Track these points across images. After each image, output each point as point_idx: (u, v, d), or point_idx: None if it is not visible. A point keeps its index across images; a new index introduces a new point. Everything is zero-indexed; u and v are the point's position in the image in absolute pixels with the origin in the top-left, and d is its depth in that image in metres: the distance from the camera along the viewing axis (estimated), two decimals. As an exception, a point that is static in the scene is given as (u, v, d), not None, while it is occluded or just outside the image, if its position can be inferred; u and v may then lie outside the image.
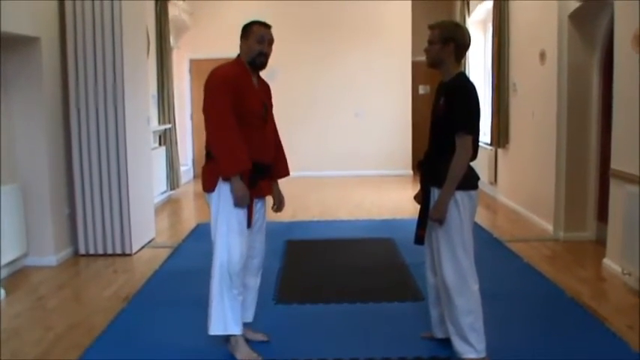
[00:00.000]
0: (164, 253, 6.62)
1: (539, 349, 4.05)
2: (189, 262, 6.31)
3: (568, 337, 4.25)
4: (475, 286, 3.75)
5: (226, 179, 3.77)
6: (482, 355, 3.74)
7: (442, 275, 3.76)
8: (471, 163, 3.74)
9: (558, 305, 4.90)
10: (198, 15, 12.29)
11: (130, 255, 6.58)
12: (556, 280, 5.47)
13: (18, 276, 5.88)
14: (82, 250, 6.57)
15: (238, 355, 3.89)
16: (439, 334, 4.06)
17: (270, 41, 3.97)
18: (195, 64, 12.67)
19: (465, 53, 3.87)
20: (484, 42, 11.28)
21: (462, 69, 3.89)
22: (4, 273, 5.68)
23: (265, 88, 4.17)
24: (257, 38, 3.90)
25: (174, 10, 10.68)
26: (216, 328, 3.88)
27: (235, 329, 3.88)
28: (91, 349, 4.15)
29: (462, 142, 3.64)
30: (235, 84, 3.82)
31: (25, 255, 6.09)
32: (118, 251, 6.58)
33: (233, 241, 3.82)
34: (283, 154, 4.29)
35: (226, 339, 3.97)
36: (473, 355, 3.73)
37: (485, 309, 3.78)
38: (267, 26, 3.98)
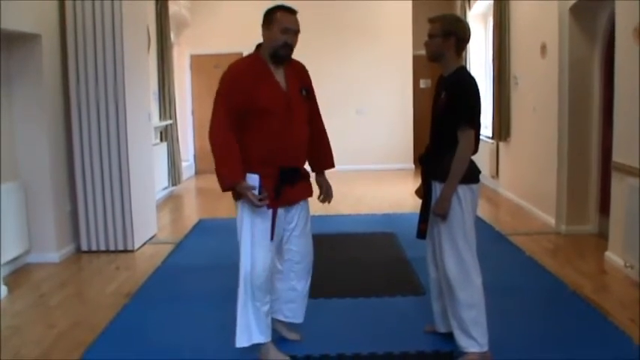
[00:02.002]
0: (166, 249, 6.62)
1: (541, 343, 4.06)
2: (191, 258, 6.32)
3: (570, 331, 4.25)
4: (478, 280, 3.74)
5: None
6: (485, 348, 3.74)
7: (445, 269, 3.76)
8: (472, 157, 3.74)
9: (560, 298, 4.90)
10: (199, 11, 12.27)
11: (132, 251, 6.59)
12: (558, 274, 5.47)
13: (20, 273, 5.88)
14: (84, 247, 6.57)
15: (266, 357, 3.78)
16: (441, 329, 4.06)
17: (297, 31, 3.61)
18: (195, 60, 12.68)
19: (465, 47, 3.86)
20: (485, 35, 11.25)
21: (462, 63, 3.87)
22: (7, 270, 5.68)
23: (297, 74, 3.79)
24: (281, 28, 3.54)
25: (174, 6, 10.67)
26: (241, 341, 3.71)
27: (260, 338, 3.72)
28: (94, 346, 4.15)
29: (464, 136, 3.63)
30: (245, 82, 3.55)
31: (27, 252, 6.10)
32: (120, 248, 6.58)
33: (257, 253, 3.63)
34: (326, 143, 4.02)
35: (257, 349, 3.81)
36: (476, 349, 3.73)
37: (487, 302, 3.78)
38: (292, 12, 3.61)
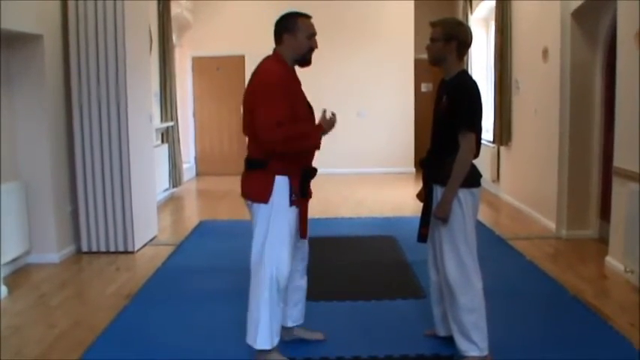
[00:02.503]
0: (166, 251, 6.62)
1: (542, 347, 4.05)
2: (191, 259, 6.32)
3: (570, 335, 4.25)
4: (479, 284, 3.74)
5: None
6: (485, 353, 3.74)
7: (445, 273, 3.75)
8: (474, 161, 3.74)
9: (561, 303, 4.90)
10: (201, 13, 12.29)
11: (132, 252, 6.59)
12: (558, 278, 5.46)
13: (20, 273, 5.88)
14: (85, 248, 6.57)
15: None
16: (441, 332, 4.06)
17: (315, 34, 3.78)
18: (197, 62, 12.69)
19: (467, 51, 3.86)
20: (487, 39, 11.26)
21: (464, 67, 3.86)
22: (7, 270, 5.68)
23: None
24: (307, 34, 3.70)
25: (176, 8, 10.69)
26: (263, 343, 3.70)
27: (276, 340, 3.76)
28: (94, 347, 4.15)
29: (465, 139, 3.63)
30: (289, 86, 3.66)
31: (27, 252, 6.10)
32: (121, 249, 6.58)
33: (283, 255, 3.66)
34: None
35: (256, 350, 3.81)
36: (475, 353, 3.73)
37: (487, 307, 3.77)
38: (311, 18, 3.78)
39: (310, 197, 3.94)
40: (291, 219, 3.69)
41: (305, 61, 3.78)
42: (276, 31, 3.76)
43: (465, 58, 11.48)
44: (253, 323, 3.73)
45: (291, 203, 3.66)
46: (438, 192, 3.76)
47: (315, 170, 3.87)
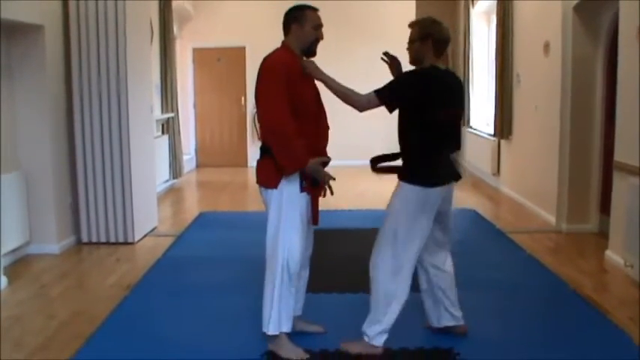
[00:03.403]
0: (167, 242, 6.63)
1: (541, 341, 4.06)
2: (191, 250, 6.33)
3: (570, 329, 4.25)
4: (390, 276, 3.80)
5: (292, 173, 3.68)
6: (375, 343, 3.82)
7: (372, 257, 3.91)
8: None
9: (560, 297, 4.90)
10: (202, 4, 12.25)
11: (132, 243, 6.59)
12: (558, 272, 5.47)
13: (21, 264, 5.89)
14: (85, 239, 6.58)
15: (284, 353, 3.81)
16: (434, 323, 4.09)
17: (322, 26, 3.86)
18: (198, 53, 12.67)
19: (445, 48, 3.83)
20: (488, 33, 11.24)
21: (440, 64, 3.85)
22: (7, 261, 5.69)
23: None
24: (314, 25, 3.78)
25: (177, 0, 10.66)
26: (273, 328, 3.77)
27: (287, 326, 3.81)
28: (94, 338, 4.16)
29: (367, 96, 3.72)
30: (290, 73, 3.67)
31: (27, 243, 6.11)
32: (121, 240, 6.59)
33: (294, 241, 3.72)
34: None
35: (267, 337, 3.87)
36: (365, 338, 3.84)
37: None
38: (317, 10, 3.85)
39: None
40: (302, 205, 3.75)
41: (310, 52, 3.84)
42: (285, 22, 3.83)
43: (467, 51, 11.55)
44: (266, 309, 3.79)
45: (302, 189, 3.72)
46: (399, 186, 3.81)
47: (327, 160, 3.92)
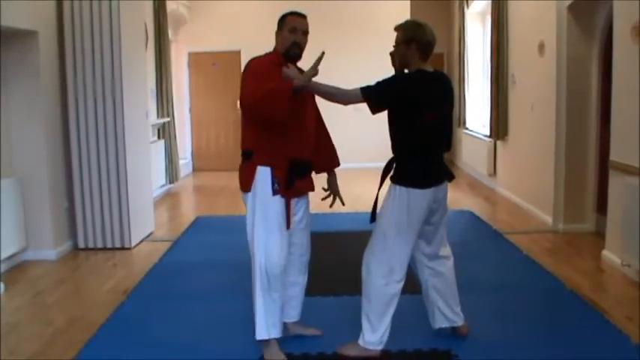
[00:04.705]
0: (163, 247, 6.61)
1: (539, 341, 4.06)
2: (188, 255, 6.31)
3: (567, 329, 4.25)
4: (380, 280, 3.79)
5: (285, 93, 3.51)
6: (369, 347, 3.81)
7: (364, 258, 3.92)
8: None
9: (558, 297, 4.90)
10: (197, 8, 12.25)
11: (129, 249, 6.58)
12: (555, 272, 5.47)
13: (17, 270, 5.87)
14: (82, 244, 6.56)
15: (267, 355, 3.80)
16: (435, 325, 4.09)
17: (305, 32, 3.80)
18: (193, 58, 12.66)
19: (431, 51, 3.82)
20: (483, 34, 11.25)
21: (426, 67, 3.85)
22: (4, 267, 5.67)
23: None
24: (290, 28, 3.76)
25: (172, 4, 10.66)
26: (260, 333, 3.76)
27: (275, 333, 3.77)
28: (91, 344, 4.14)
29: (354, 92, 3.68)
30: (272, 73, 3.61)
31: (24, 249, 6.09)
32: (118, 245, 6.57)
33: (272, 243, 3.69)
34: (331, 143, 4.20)
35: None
36: (360, 342, 3.83)
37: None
38: (301, 16, 3.83)
39: (311, 190, 3.99)
40: (276, 209, 3.70)
41: (290, 55, 3.77)
42: None
43: (462, 52, 11.56)
44: (255, 314, 3.77)
45: (274, 192, 3.69)
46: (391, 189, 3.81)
47: (306, 163, 3.87)
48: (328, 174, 4.23)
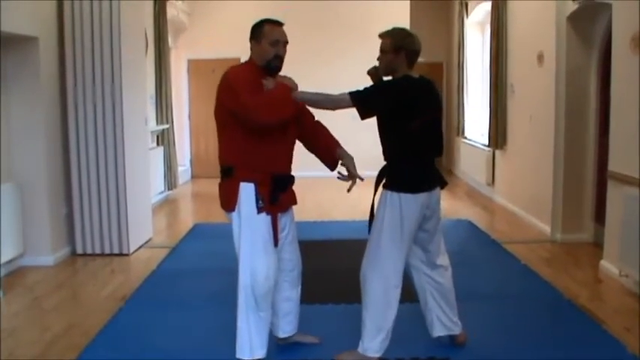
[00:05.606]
0: (161, 254, 6.60)
1: (537, 351, 4.05)
2: (186, 262, 6.31)
3: (566, 339, 4.25)
4: (378, 284, 3.79)
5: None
6: (368, 354, 3.81)
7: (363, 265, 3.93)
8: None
9: (556, 307, 4.90)
10: (197, 15, 12.28)
11: (127, 255, 6.57)
12: (553, 282, 5.47)
13: (15, 276, 5.86)
14: (80, 250, 6.56)
15: None
16: (434, 333, 4.09)
17: (286, 42, 3.68)
18: (193, 64, 12.67)
19: (417, 58, 3.85)
20: (482, 43, 11.28)
21: (411, 73, 3.87)
22: (2, 272, 5.66)
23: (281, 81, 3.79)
24: (271, 41, 3.60)
25: (172, 10, 10.68)
26: (242, 352, 3.66)
27: (260, 353, 3.67)
28: (88, 350, 4.14)
29: (342, 97, 3.67)
30: (256, 81, 3.55)
31: (22, 255, 6.08)
32: (116, 251, 6.57)
33: (257, 262, 3.59)
34: (326, 130, 4.09)
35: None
36: (359, 349, 3.83)
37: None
38: (279, 25, 3.68)
39: (294, 203, 3.95)
40: (261, 226, 3.61)
41: (271, 68, 3.66)
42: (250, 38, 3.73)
43: (461, 62, 11.59)
44: (238, 333, 3.69)
45: (259, 210, 3.60)
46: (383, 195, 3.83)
47: (289, 177, 3.82)
48: (341, 158, 4.05)
